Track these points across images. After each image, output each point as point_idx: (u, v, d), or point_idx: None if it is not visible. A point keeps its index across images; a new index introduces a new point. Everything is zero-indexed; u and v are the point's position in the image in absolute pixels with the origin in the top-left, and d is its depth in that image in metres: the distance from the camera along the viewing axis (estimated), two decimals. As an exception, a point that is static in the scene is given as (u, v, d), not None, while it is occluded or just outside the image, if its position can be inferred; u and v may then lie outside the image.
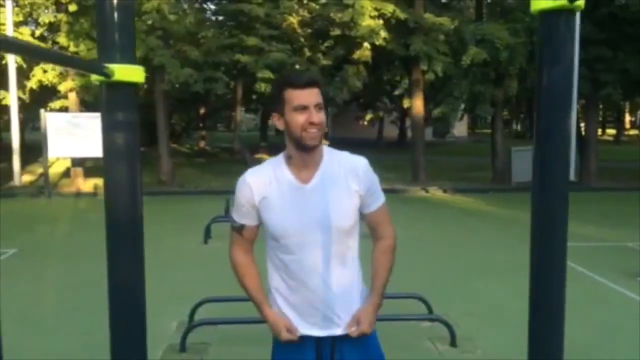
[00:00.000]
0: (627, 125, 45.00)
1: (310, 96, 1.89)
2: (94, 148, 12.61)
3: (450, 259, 7.14)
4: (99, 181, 14.42)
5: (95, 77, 1.59)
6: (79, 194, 13.42)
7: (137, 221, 1.64)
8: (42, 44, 13.88)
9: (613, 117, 39.89)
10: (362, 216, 2.05)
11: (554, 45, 1.70)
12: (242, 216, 2.04)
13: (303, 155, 1.94)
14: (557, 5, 1.63)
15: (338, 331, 1.99)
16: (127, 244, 1.65)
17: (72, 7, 13.10)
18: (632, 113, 47.89)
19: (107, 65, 1.53)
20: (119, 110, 1.59)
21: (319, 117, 1.89)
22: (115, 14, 1.56)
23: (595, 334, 4.58)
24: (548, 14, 1.68)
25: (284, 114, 1.92)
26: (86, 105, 15.38)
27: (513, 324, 4.69)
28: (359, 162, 2.02)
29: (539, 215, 1.78)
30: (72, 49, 13.80)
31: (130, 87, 1.60)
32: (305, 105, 1.88)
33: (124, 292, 1.65)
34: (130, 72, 1.58)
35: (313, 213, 1.93)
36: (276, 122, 1.98)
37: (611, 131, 39.72)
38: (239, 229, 2.06)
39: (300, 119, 1.88)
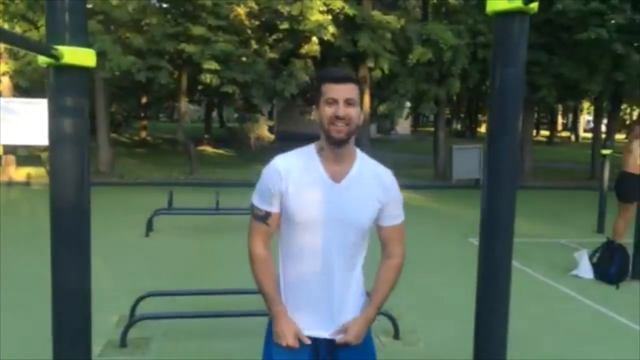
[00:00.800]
0: (560, 127, 47.11)
1: (342, 91, 1.94)
2: (28, 135, 12.02)
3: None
4: (32, 170, 13.78)
5: (42, 60, 1.51)
6: (10, 184, 12.78)
7: (84, 211, 1.57)
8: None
9: (547, 119, 41.69)
10: (377, 228, 2.11)
11: (508, 46, 1.76)
12: (268, 203, 2.00)
13: (333, 148, 1.98)
14: (512, 7, 1.69)
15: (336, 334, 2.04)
16: (74, 235, 1.58)
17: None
18: (564, 115, 50.21)
19: (55, 47, 1.46)
20: (67, 95, 1.51)
21: (346, 111, 1.93)
22: (65, -7, 1.49)
23: (530, 327, 4.77)
24: (503, 16, 1.73)
25: (319, 106, 1.99)
26: (20, 91, 14.65)
27: (454, 316, 4.84)
28: (387, 173, 2.09)
29: (489, 210, 1.83)
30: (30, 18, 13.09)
31: (80, 70, 1.53)
32: (335, 99, 1.94)
33: (69, 288, 1.58)
34: (81, 55, 1.50)
35: (342, 210, 1.97)
36: (314, 113, 2.04)
37: (545, 132, 41.52)
38: (263, 217, 2.01)
39: (329, 111, 1.94)
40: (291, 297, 2.03)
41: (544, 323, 4.90)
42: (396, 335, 4.37)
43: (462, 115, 41.79)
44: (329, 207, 1.96)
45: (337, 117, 1.93)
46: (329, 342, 2.02)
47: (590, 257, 6.32)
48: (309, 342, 1.99)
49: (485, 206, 1.83)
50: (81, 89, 1.55)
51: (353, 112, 1.95)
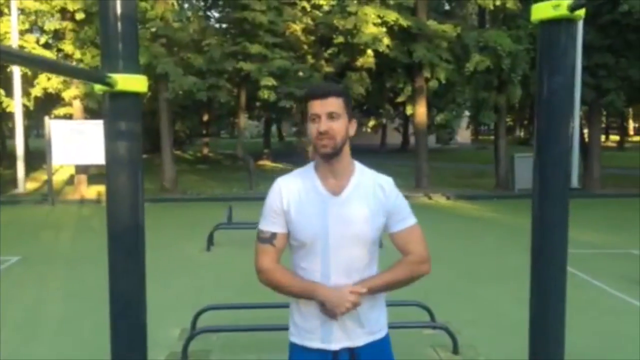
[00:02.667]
0: (631, 132, 44.90)
1: (323, 106, 1.93)
2: (98, 155, 12.65)
3: (453, 266, 7.12)
4: (103, 188, 14.45)
5: (98, 87, 1.61)
6: (82, 201, 13.44)
7: (139, 230, 1.65)
8: (47, 52, 13.96)
9: (617, 123, 39.83)
10: (391, 238, 2.05)
11: (554, 54, 1.72)
12: (272, 224, 2.01)
13: (326, 164, 1.98)
14: (558, 15, 1.65)
15: (357, 342, 1.99)
16: (128, 253, 1.66)
17: (79, 16, 13.18)
18: (635, 119, 47.79)
19: (110, 74, 1.55)
20: (122, 120, 1.60)
21: (328, 125, 1.92)
22: (119, 24, 1.58)
23: (597, 342, 4.55)
24: (548, 24, 1.70)
25: (307, 122, 2.01)
26: (90, 113, 15.45)
27: (516, 332, 4.67)
28: (386, 180, 2.06)
29: (539, 222, 1.78)
30: (77, 56, 13.88)
31: (133, 96, 1.62)
32: (317, 114, 1.94)
33: (125, 300, 1.66)
34: (133, 82, 1.59)
35: (344, 223, 1.94)
36: (307, 131, 2.07)
37: (615, 137, 39.64)
38: (268, 239, 2.01)
39: (313, 127, 1.95)
40: (308, 318, 2.01)
41: (613, 337, 4.66)
42: (455, 350, 4.28)
43: (525, 122, 40.59)
44: (331, 221, 1.94)
45: (320, 133, 1.92)
46: (350, 352, 1.98)
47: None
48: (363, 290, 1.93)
49: (536, 221, 1.78)
50: (134, 113, 1.63)
51: (336, 125, 1.93)
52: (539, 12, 1.68)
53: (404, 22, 14.39)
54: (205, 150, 27.70)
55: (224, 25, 17.19)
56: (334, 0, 14.96)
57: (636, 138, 43.57)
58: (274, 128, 33.39)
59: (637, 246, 8.08)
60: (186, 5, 17.53)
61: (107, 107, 1.64)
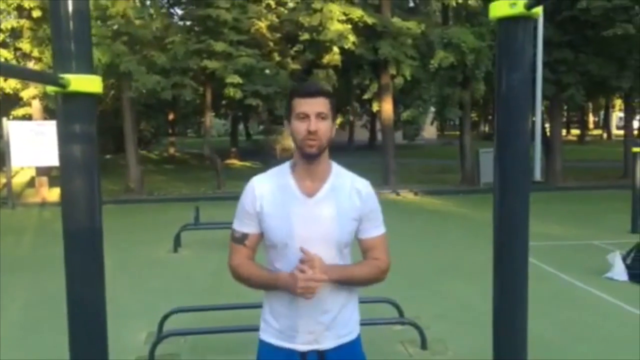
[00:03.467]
0: (591, 125, 46.14)
1: (313, 105, 1.91)
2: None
3: (421, 262, 7.19)
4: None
5: (50, 88, 1.55)
6: (43, 204, 13.10)
7: (96, 233, 1.60)
8: (4, 51, 13.54)
9: (577, 117, 40.87)
10: (358, 242, 2.04)
11: (512, 51, 1.74)
12: (244, 224, 1.99)
13: (306, 164, 1.95)
14: (515, 13, 1.66)
15: (325, 345, 1.97)
16: (86, 258, 1.61)
17: (36, 13, 12.83)
18: (595, 113, 49.13)
19: (62, 75, 1.50)
20: (75, 122, 1.55)
21: (317, 126, 1.90)
22: (71, 22, 1.53)
23: (562, 332, 4.66)
24: (506, 21, 1.72)
25: (291, 121, 1.96)
26: (50, 113, 15.06)
27: (483, 325, 4.73)
28: (363, 184, 2.04)
29: (501, 216, 1.81)
30: (35, 54, 13.50)
31: (87, 97, 1.57)
32: (306, 113, 1.91)
33: (83, 306, 1.61)
34: (87, 82, 1.54)
35: (316, 226, 1.92)
36: (287, 128, 2.02)
37: (575, 131, 40.69)
38: (240, 239, 2.00)
39: (301, 127, 1.91)
40: (279, 317, 2.00)
41: (577, 328, 4.78)
42: (423, 345, 4.32)
43: (489, 117, 41.28)
44: (304, 223, 1.92)
45: (309, 132, 1.89)
46: (319, 354, 1.97)
47: (624, 259, 6.15)
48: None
49: (498, 215, 1.80)
50: (89, 114, 1.58)
51: (324, 126, 1.92)
52: (496, 10, 1.70)
53: (368, 19, 14.46)
54: (172, 150, 27.34)
55: (187, 23, 16.95)
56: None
57: (596, 132, 44.80)
58: (241, 126, 33.14)
59: (598, 237, 8.31)
60: (148, 2, 17.20)
61: (60, 109, 1.58)
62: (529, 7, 1.64)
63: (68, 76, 1.51)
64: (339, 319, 1.98)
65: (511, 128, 1.76)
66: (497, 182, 1.79)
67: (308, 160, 1.94)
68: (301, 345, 1.96)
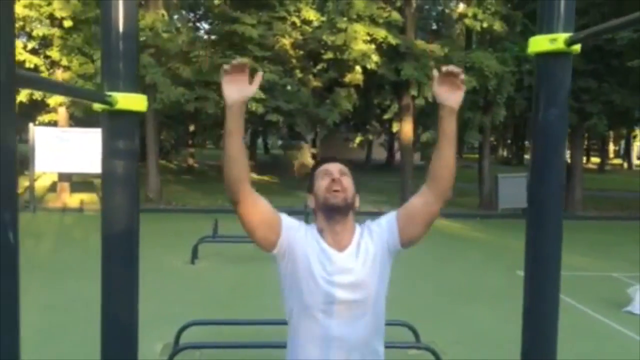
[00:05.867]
0: (611, 155, 45.63)
1: (335, 166, 1.97)
2: (82, 163, 12.53)
3: (438, 286, 7.15)
4: (86, 196, 14.29)
5: (97, 106, 1.60)
6: (64, 210, 13.26)
7: (134, 249, 1.64)
8: (35, 57, 13.83)
9: (597, 145, 40.47)
10: (402, 218, 1.98)
11: (550, 87, 1.75)
12: (277, 212, 1.94)
13: (332, 225, 1.92)
14: (555, 49, 1.68)
15: None
16: (123, 273, 1.64)
17: (67, 23, 13.10)
18: (615, 142, 48.62)
19: (110, 93, 1.54)
20: (120, 138, 1.59)
21: (340, 178, 1.92)
22: (120, 43, 1.58)
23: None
24: (545, 57, 1.73)
25: (314, 189, 1.98)
26: (75, 120, 15.31)
27: (500, 351, 4.70)
28: (374, 222, 2.02)
29: (533, 250, 1.81)
30: (64, 63, 13.78)
31: (132, 115, 1.61)
32: (328, 171, 1.95)
33: (117, 323, 1.65)
34: (133, 101, 1.58)
35: (348, 278, 1.89)
36: (309, 202, 2.01)
37: (595, 159, 40.26)
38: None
39: (324, 182, 1.93)
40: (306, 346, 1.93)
41: (595, 362, 4.71)
42: (440, 371, 4.27)
43: (508, 141, 41.08)
44: (337, 276, 1.88)
45: (333, 180, 1.90)
46: None
47: (645, 293, 6.05)
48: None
49: (530, 248, 1.80)
50: (133, 132, 1.62)
51: (348, 180, 1.94)
52: (536, 45, 1.72)
53: (392, 40, 14.54)
54: (191, 161, 27.56)
55: (213, 37, 17.20)
56: (323, 16, 15.08)
57: (616, 161, 44.29)
58: (259, 140, 33.36)
59: (618, 269, 8.19)
60: (176, 17, 17.54)
61: (105, 126, 1.63)
62: (569, 44, 1.66)
63: (116, 95, 1.55)
64: (374, 349, 1.96)
65: (546, 163, 1.77)
66: (531, 216, 1.79)
67: (334, 214, 1.90)
68: None
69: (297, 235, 1.93)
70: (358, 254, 1.92)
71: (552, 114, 1.73)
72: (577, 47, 1.69)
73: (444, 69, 1.90)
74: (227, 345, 4.43)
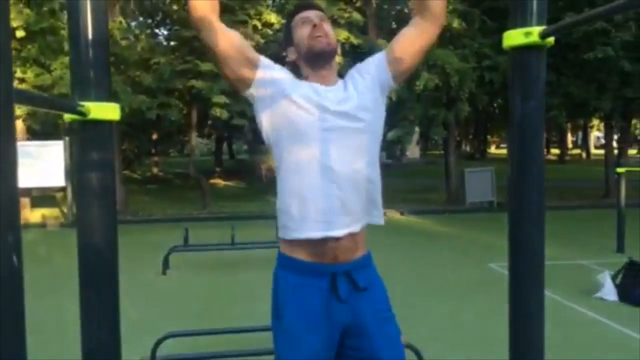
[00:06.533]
0: (570, 145, 46.90)
1: (312, 12, 1.93)
2: (42, 177, 12.17)
3: (410, 283, 7.19)
4: (47, 211, 13.89)
5: (68, 116, 1.53)
6: (26, 226, 12.84)
7: (113, 264, 1.58)
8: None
9: (556, 137, 41.56)
10: (397, 60, 1.97)
11: (526, 80, 1.76)
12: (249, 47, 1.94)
13: (318, 70, 1.92)
14: (529, 42, 1.69)
15: (362, 224, 1.90)
16: (101, 290, 1.59)
17: (20, 33, 12.72)
18: (573, 133, 50.03)
19: (82, 103, 1.48)
20: (94, 150, 1.54)
21: (322, 24, 1.90)
22: (90, 50, 1.52)
23: (554, 354, 4.66)
24: (520, 50, 1.74)
25: (294, 37, 1.94)
26: (33, 134, 14.87)
27: (480, 345, 4.75)
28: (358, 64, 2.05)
29: (517, 243, 1.82)
30: (18, 74, 13.37)
31: (105, 124, 1.56)
32: (308, 17, 1.92)
33: (98, 342, 1.59)
34: (106, 110, 1.53)
35: (341, 106, 1.89)
36: (290, 54, 1.97)
37: (555, 151, 41.34)
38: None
39: (305, 30, 1.90)
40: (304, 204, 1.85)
41: (569, 349, 4.80)
42: (421, 368, 4.29)
43: (471, 137, 41.78)
44: (327, 100, 1.87)
45: (314, 26, 1.88)
46: (348, 276, 1.88)
47: (613, 278, 6.21)
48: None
49: (514, 242, 1.82)
50: (107, 142, 1.57)
51: (328, 26, 1.93)
52: (510, 39, 1.73)
53: (355, 40, 14.62)
54: (155, 170, 27.13)
55: (173, 43, 16.97)
56: (283, 19, 15.04)
57: (575, 151, 45.54)
58: (224, 146, 33.04)
59: (585, 257, 8.40)
60: (134, 23, 17.25)
61: (78, 137, 1.57)
62: (543, 36, 1.67)
63: (88, 104, 1.49)
64: (374, 196, 1.96)
65: (527, 155, 1.78)
66: (513, 210, 1.81)
67: (320, 61, 1.91)
68: (336, 230, 1.85)
69: (278, 74, 1.90)
70: (346, 86, 1.95)
71: (529, 106, 1.75)
72: (551, 40, 1.71)
73: None
74: (206, 356, 4.35)
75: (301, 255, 1.87)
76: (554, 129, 31.23)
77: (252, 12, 15.08)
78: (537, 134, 1.76)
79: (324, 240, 1.84)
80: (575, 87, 14.43)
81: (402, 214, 14.25)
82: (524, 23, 1.70)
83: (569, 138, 47.45)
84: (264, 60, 1.91)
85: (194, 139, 17.14)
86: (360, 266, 1.93)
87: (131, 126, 21.79)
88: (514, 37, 1.71)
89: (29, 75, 13.23)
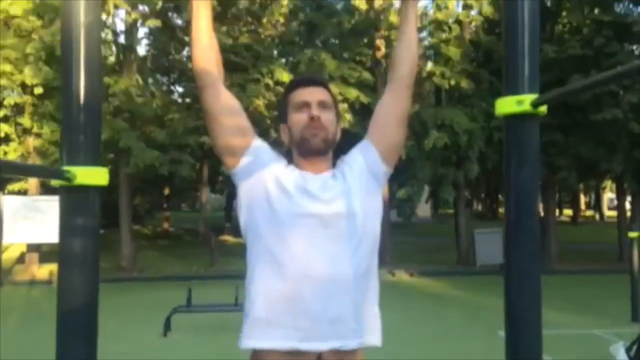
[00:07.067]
0: (583, 206, 46.47)
1: (313, 93, 1.73)
2: (52, 233, 12.20)
3: (418, 348, 6.96)
4: (55, 267, 13.84)
5: (55, 181, 1.52)
6: (33, 282, 12.78)
7: (92, 335, 1.52)
8: (5, 125, 13.69)
9: (569, 197, 41.24)
10: (380, 136, 1.87)
11: (519, 148, 1.73)
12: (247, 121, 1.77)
13: (311, 160, 1.73)
14: (522, 110, 1.68)
15: (348, 342, 1.59)
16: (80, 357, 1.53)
17: (38, 90, 13.10)
18: (586, 194, 49.65)
19: (68, 168, 1.47)
20: (79, 215, 1.51)
21: (321, 115, 1.70)
22: (82, 115, 1.52)
23: None
24: (513, 118, 1.73)
25: (287, 119, 1.76)
26: (46, 188, 15.04)
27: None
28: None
29: (512, 314, 1.74)
30: (35, 130, 13.68)
31: (93, 189, 1.54)
32: (306, 102, 1.72)
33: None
34: (93, 175, 1.51)
35: (326, 194, 1.69)
36: (283, 135, 1.81)
37: (568, 212, 40.91)
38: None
39: (301, 117, 1.71)
40: (274, 299, 1.60)
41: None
42: None
43: (482, 195, 41.62)
44: (311, 187, 1.67)
45: (311, 118, 1.68)
46: None
47: (628, 350, 5.96)
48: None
49: (510, 312, 1.74)
50: (93, 208, 1.54)
51: (329, 116, 1.73)
52: (503, 107, 1.72)
53: (364, 99, 14.84)
54: (166, 225, 27.17)
55: (187, 100, 17.34)
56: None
57: (588, 212, 45.06)
58: (235, 201, 33.17)
59: (599, 326, 8.09)
60: (150, 80, 17.70)
61: (63, 201, 1.55)
62: (535, 105, 1.66)
63: (74, 169, 1.48)
64: (364, 310, 1.67)
65: (520, 224, 1.74)
66: (508, 278, 1.74)
67: (313, 155, 1.71)
68: (318, 343, 1.57)
69: (268, 155, 1.73)
70: (335, 176, 1.74)
71: (523, 174, 1.72)
72: (543, 109, 1.70)
73: None
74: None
75: None
76: (565, 189, 31.04)
77: (264, 70, 15.43)
78: (531, 203, 1.72)
79: (298, 353, 1.56)
80: (585, 148, 14.41)
81: (411, 274, 14.02)
82: (516, 90, 1.69)
83: (582, 199, 47.10)
84: (257, 140, 1.77)
85: (205, 194, 17.25)
86: None
87: (143, 181, 22.06)
88: (506, 105, 1.70)
89: (45, 130, 13.53)
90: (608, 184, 35.49)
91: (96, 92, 1.55)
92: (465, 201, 16.99)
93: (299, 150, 1.75)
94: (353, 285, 1.61)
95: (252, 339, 1.62)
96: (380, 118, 1.87)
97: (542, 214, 16.41)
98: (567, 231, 24.50)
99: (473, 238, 15.10)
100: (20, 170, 1.25)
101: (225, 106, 1.73)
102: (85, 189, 1.50)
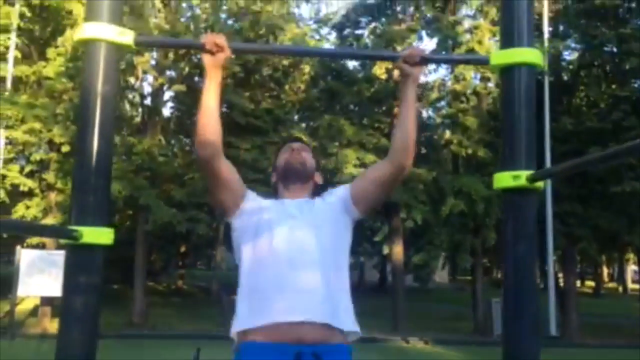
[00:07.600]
0: (606, 278, 45.22)
1: (296, 144, 2.14)
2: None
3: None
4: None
5: (63, 240, 1.59)
6: (44, 336, 12.70)
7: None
8: (29, 181, 14.03)
9: (591, 269, 40.23)
10: (361, 197, 2.07)
11: (517, 222, 1.76)
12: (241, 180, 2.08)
13: (290, 185, 2.07)
14: (518, 185, 1.72)
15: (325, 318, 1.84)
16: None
17: (65, 148, 13.48)
18: (609, 265, 48.39)
19: (75, 228, 1.54)
20: (83, 273, 1.56)
21: (301, 151, 2.09)
22: (92, 178, 1.61)
23: None
24: (510, 192, 1.76)
25: (276, 164, 2.16)
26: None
27: None
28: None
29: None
30: (59, 185, 13.98)
31: (98, 248, 1.59)
32: (290, 146, 2.12)
33: None
34: (99, 235, 1.57)
35: (298, 211, 2.02)
36: (272, 179, 2.17)
37: (590, 283, 39.81)
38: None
39: (286, 154, 2.10)
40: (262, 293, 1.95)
41: None
42: None
43: (502, 263, 40.85)
44: (288, 210, 1.99)
45: (293, 150, 2.07)
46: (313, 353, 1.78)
47: None
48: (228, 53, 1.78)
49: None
50: (97, 266, 1.60)
51: (307, 154, 2.10)
52: (500, 182, 1.76)
53: (381, 165, 14.97)
54: (180, 282, 27.04)
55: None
56: (315, 141, 15.62)
57: (612, 284, 43.79)
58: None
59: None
60: (172, 141, 18.13)
61: (69, 258, 1.61)
62: (531, 180, 1.70)
63: (82, 229, 1.55)
64: (341, 318, 1.93)
65: (519, 299, 1.74)
66: (507, 353, 1.73)
67: (292, 177, 2.06)
68: (296, 315, 1.86)
69: (261, 203, 2.04)
70: (313, 201, 2.05)
71: (521, 249, 1.73)
72: (539, 185, 1.74)
73: (406, 53, 1.91)
74: None
75: (259, 338, 1.84)
76: (587, 260, 30.35)
77: (284, 134, 15.73)
78: (529, 277, 1.72)
79: (286, 324, 1.82)
80: (604, 220, 14.21)
81: (425, 342, 13.64)
82: (512, 166, 1.74)
83: (605, 271, 45.88)
84: (250, 192, 2.10)
85: (220, 253, 17.24)
86: (333, 350, 1.84)
87: (160, 238, 22.17)
88: (502, 180, 1.74)
89: (68, 186, 13.81)
90: (631, 256, 34.67)
91: (107, 156, 1.64)
92: (483, 268, 16.71)
93: (282, 181, 2.09)
94: (320, 264, 1.89)
95: (245, 320, 1.94)
96: (370, 174, 2.16)
97: (562, 284, 16.05)
98: (589, 303, 23.75)
99: (491, 306, 14.74)
100: (31, 230, 1.33)
101: (229, 174, 2.05)
102: (91, 247, 1.56)
